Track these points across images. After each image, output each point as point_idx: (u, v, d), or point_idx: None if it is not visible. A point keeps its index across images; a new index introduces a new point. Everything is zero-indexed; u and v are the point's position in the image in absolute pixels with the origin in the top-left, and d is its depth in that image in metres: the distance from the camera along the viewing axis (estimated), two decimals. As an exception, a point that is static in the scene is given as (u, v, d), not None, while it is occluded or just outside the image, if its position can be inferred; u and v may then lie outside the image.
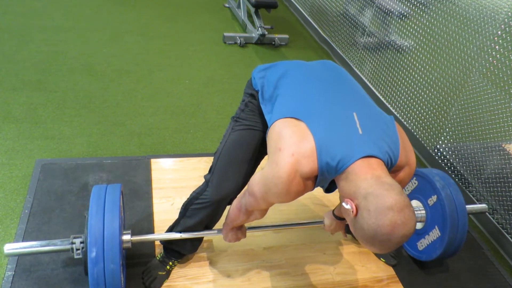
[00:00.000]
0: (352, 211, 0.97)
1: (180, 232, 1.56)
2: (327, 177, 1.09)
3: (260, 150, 1.43)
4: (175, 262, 1.70)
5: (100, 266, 1.27)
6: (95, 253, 1.27)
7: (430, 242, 1.81)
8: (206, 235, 1.61)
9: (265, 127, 1.38)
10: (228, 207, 1.49)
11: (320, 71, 1.34)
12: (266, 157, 1.28)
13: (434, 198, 1.77)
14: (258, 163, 1.48)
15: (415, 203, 1.88)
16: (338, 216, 1.55)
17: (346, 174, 1.04)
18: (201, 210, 1.49)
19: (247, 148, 1.41)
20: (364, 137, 1.08)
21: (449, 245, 1.71)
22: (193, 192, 1.53)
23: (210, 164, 1.49)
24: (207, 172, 1.50)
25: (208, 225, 1.59)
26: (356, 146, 1.06)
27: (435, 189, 1.76)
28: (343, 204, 1.01)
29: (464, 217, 1.71)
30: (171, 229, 1.62)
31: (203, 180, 1.51)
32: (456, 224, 1.69)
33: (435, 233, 1.77)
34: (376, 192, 0.95)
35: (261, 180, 1.16)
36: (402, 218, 0.91)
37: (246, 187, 1.31)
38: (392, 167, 1.13)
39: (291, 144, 1.08)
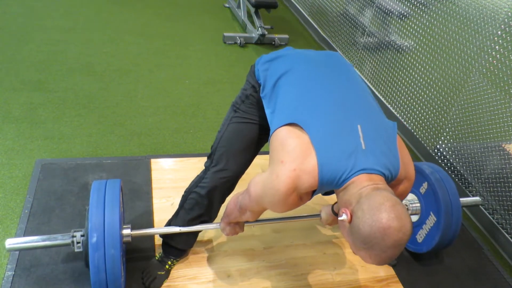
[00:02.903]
0: (347, 218, 1.01)
1: (180, 226, 1.58)
2: (325, 189, 1.12)
3: (258, 142, 1.49)
4: (174, 261, 1.70)
5: (100, 252, 1.29)
6: (96, 239, 1.29)
7: (428, 230, 1.84)
8: (204, 228, 1.62)
9: (263, 121, 1.40)
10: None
11: (325, 66, 1.32)
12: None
13: (425, 185, 1.83)
14: (257, 152, 1.53)
15: (409, 196, 1.92)
16: (336, 213, 1.55)
17: (346, 186, 1.07)
18: (198, 200, 1.52)
19: (245, 141, 1.46)
20: (366, 153, 1.10)
21: (446, 228, 1.75)
22: (192, 181, 1.57)
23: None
24: None
25: (204, 219, 1.59)
26: (358, 162, 1.07)
27: (424, 176, 1.82)
28: (339, 218, 1.04)
29: (457, 200, 1.76)
30: (169, 223, 1.63)
31: None
32: (449, 205, 1.74)
33: (431, 220, 1.81)
34: (368, 194, 1.00)
35: (260, 184, 1.19)
36: (395, 212, 0.94)
37: None
38: (392, 181, 1.16)
39: (293, 159, 1.09)
